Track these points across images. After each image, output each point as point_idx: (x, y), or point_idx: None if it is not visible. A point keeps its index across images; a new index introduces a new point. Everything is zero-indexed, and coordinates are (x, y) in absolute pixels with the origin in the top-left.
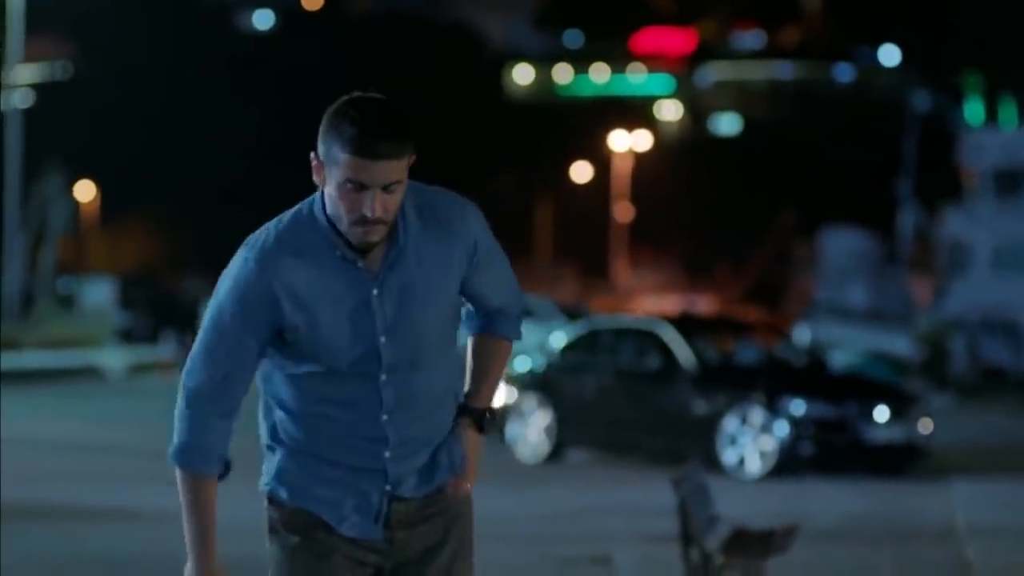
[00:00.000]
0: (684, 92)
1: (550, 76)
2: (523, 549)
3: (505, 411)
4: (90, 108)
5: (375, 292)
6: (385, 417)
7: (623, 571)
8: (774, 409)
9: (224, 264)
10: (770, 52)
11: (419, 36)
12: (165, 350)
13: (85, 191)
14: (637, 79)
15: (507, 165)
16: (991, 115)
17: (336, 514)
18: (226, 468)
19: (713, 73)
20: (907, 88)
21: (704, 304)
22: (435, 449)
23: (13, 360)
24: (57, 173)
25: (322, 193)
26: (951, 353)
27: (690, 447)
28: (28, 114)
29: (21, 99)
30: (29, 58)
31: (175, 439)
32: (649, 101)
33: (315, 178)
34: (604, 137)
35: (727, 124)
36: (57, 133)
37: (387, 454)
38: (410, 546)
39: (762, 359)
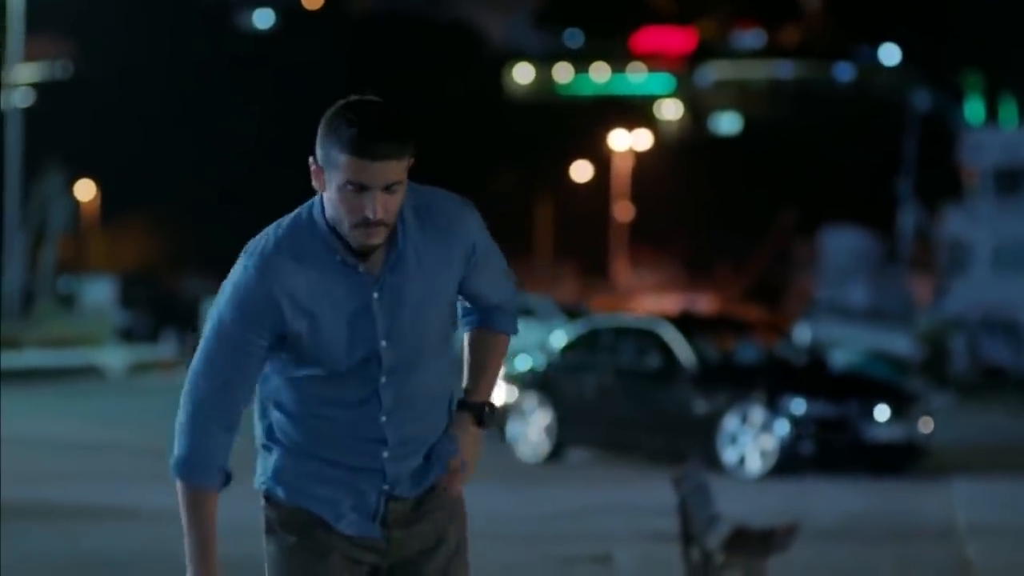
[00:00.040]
0: (684, 91)
1: (550, 75)
2: (523, 548)
3: (505, 410)
4: (90, 107)
5: (375, 296)
6: (384, 418)
7: (624, 570)
8: (774, 408)
9: (224, 263)
10: (770, 51)
11: (419, 35)
12: (165, 349)
13: (85, 190)
14: (637, 78)
15: (507, 164)
16: (991, 114)
17: (334, 512)
18: (227, 480)
19: (713, 72)
20: (907, 87)
21: (704, 303)
22: (431, 448)
23: (13, 359)
24: (57, 172)
25: (321, 198)
26: (951, 352)
27: (690, 446)
28: (28, 113)
29: (21, 98)
30: (29, 57)
31: (176, 451)
32: (649, 100)
33: (314, 183)
34: (604, 136)
35: (727, 123)
36: (57, 132)
37: (385, 454)
38: (407, 545)
39: (762, 358)
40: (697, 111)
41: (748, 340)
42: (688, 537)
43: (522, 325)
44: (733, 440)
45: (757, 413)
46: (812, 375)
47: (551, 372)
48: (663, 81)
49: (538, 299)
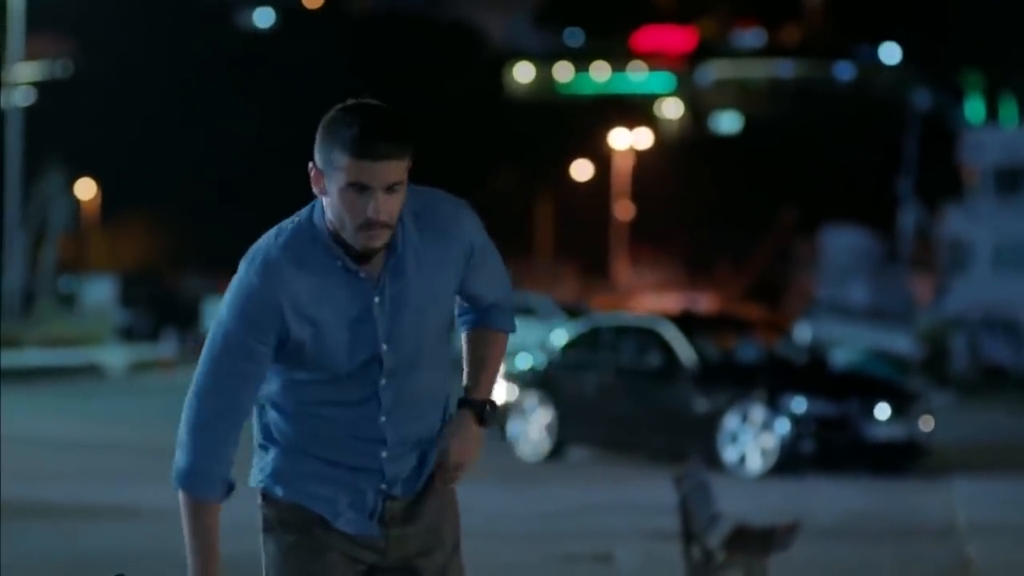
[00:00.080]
0: (685, 90)
1: (550, 74)
2: (524, 547)
3: (506, 408)
4: (91, 106)
5: (376, 300)
6: (383, 418)
7: (624, 569)
8: (775, 407)
9: (224, 262)
10: (771, 50)
11: (419, 35)
12: (166, 348)
13: (86, 189)
14: (638, 77)
15: (508, 163)
16: (992, 113)
17: (332, 510)
18: (229, 490)
19: (714, 71)
20: (908, 86)
21: (705, 302)
22: (427, 453)
23: (14, 358)
24: (58, 171)
25: (321, 203)
26: (952, 351)
27: (691, 445)
28: (29, 112)
29: (22, 97)
30: (30, 56)
31: (178, 461)
32: (650, 99)
33: (314, 188)
34: (605, 135)
35: (728, 122)
36: (58, 131)
37: (384, 454)
38: (405, 545)
39: (763, 357)
40: (697, 110)
41: (749, 339)
42: (689, 535)
43: (522, 324)
44: (734, 439)
45: (758, 412)
46: (812, 374)
47: (552, 371)
48: (663, 80)
49: (538, 298)
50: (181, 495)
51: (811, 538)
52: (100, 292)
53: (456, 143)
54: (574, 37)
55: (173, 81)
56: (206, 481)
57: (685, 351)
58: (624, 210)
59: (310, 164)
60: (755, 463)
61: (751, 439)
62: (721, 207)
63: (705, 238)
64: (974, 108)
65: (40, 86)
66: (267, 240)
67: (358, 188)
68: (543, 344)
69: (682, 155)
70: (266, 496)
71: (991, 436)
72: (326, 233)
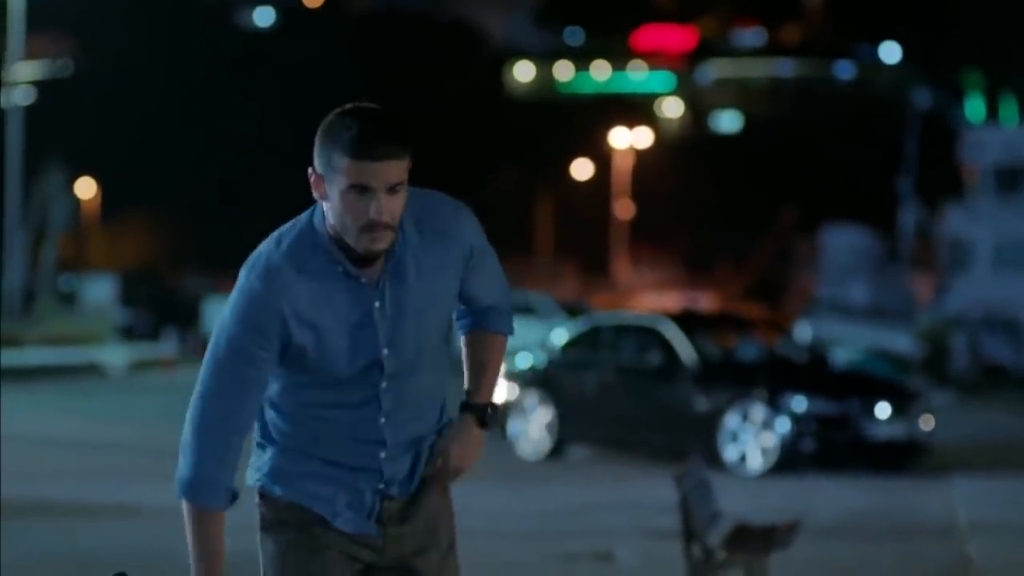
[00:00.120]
0: (685, 89)
1: (551, 73)
2: (525, 546)
3: (507, 408)
4: (91, 105)
5: (377, 305)
6: (383, 420)
7: (625, 567)
8: (775, 406)
9: (225, 261)
10: (771, 49)
11: (419, 34)
12: (166, 347)
13: (86, 188)
14: (638, 76)
15: (508, 162)
16: (992, 112)
17: (330, 509)
18: (233, 498)
19: (714, 70)
20: (908, 85)
21: (705, 301)
22: (424, 446)
23: (14, 357)
24: (58, 170)
25: (321, 208)
26: (952, 350)
27: (691, 444)
28: (29, 111)
29: (22, 96)
30: (30, 55)
31: (182, 471)
32: (650, 98)
33: (315, 193)
34: (605, 134)
35: (728, 121)
36: (58, 130)
37: (383, 454)
38: (402, 544)
39: (763, 356)
40: (698, 109)
41: (749, 338)
42: (689, 534)
43: (523, 323)
44: (734, 437)
45: (758, 411)
46: (813, 373)
47: (552, 370)
48: (664, 79)
49: (539, 297)
50: (185, 504)
51: (811, 537)
52: (100, 291)
53: (456, 142)
54: (574, 36)
55: (173, 80)
56: (210, 490)
57: (685, 350)
58: (624, 209)
59: (310, 169)
60: (755, 462)
61: (751, 438)
62: (721, 206)
63: (705, 237)
64: (974, 107)
65: (40, 85)
66: (268, 246)
67: (359, 190)
68: (543, 343)
69: (682, 154)
70: (263, 495)
71: (991, 435)
72: (327, 238)
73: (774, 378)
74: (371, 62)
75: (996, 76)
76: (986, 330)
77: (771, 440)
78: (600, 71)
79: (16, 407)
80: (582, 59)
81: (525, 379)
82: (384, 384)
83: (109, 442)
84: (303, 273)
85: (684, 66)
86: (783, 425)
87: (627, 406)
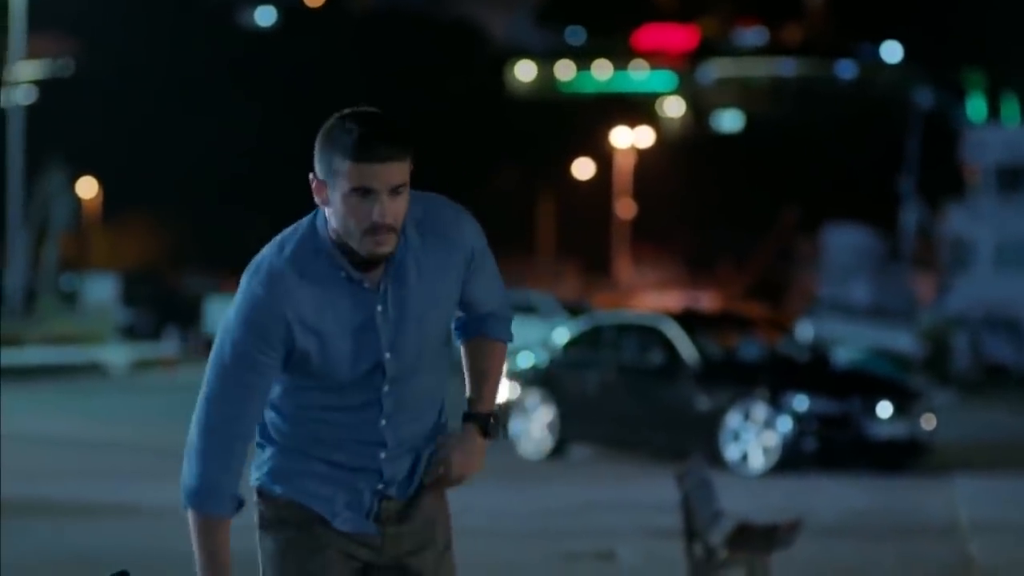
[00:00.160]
0: (686, 89)
1: (552, 73)
2: (527, 545)
3: (508, 408)
4: (92, 105)
5: (379, 309)
6: (384, 422)
7: (627, 566)
8: (777, 405)
9: (226, 261)
10: (772, 49)
11: (421, 33)
12: (167, 347)
13: (87, 188)
14: (639, 76)
15: (509, 162)
16: (993, 112)
17: (330, 509)
18: (239, 506)
19: (715, 70)
20: (909, 85)
21: (707, 301)
22: (424, 452)
23: (15, 356)
24: (59, 170)
25: (323, 214)
26: (954, 350)
27: (693, 443)
28: (31, 111)
29: (24, 96)
30: (31, 55)
31: (188, 480)
32: (651, 98)
33: (317, 199)
34: (606, 134)
35: (729, 121)
36: (59, 130)
37: (383, 455)
38: (399, 543)
39: (765, 355)
40: (699, 109)
41: (751, 337)
42: (691, 533)
43: (524, 322)
44: (736, 437)
45: (760, 410)
46: (814, 372)
47: (553, 369)
48: (665, 78)
49: (540, 296)
50: (190, 513)
51: (813, 536)
52: (102, 290)
53: (457, 141)
54: (576, 35)
55: (175, 80)
56: (217, 498)
57: (687, 349)
58: (626, 208)
59: (311, 175)
60: (757, 461)
61: (753, 437)
62: (723, 206)
63: (707, 237)
64: (976, 107)
65: (42, 85)
66: (270, 252)
67: (362, 193)
68: (545, 342)
69: (684, 154)
70: (263, 493)
71: (993, 435)
72: (329, 243)
73: (776, 377)
74: (372, 62)
75: (997, 76)
76: (987, 329)
77: (773, 439)
78: (601, 70)
79: (17, 406)
80: (583, 58)
81: (527, 378)
82: (386, 388)
83: (110, 442)
84: (306, 279)
85: (685, 65)
86: (785, 424)
87: (629, 405)
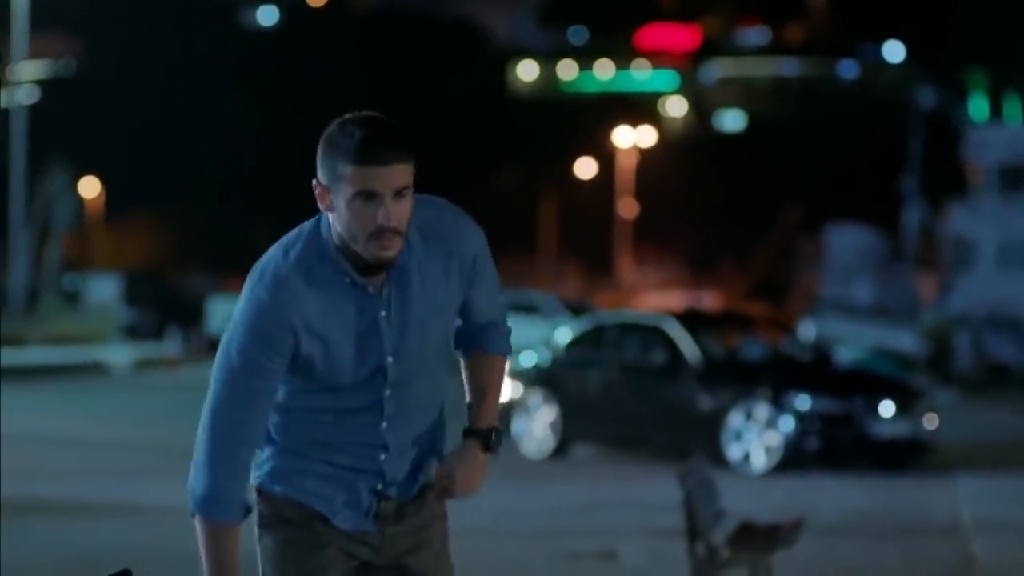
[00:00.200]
0: (689, 88)
1: (554, 72)
2: (529, 544)
3: (510, 406)
4: (95, 105)
5: (383, 314)
6: (385, 425)
7: (629, 566)
8: (779, 404)
9: (228, 261)
10: (775, 49)
11: (423, 33)
12: (170, 346)
13: (90, 187)
14: (641, 75)
15: (512, 161)
16: (996, 111)
17: (330, 508)
18: (247, 512)
19: (718, 70)
20: (912, 85)
21: (709, 300)
22: (424, 453)
23: (18, 356)
24: (62, 170)
25: (327, 219)
26: (956, 349)
27: (695, 442)
28: (33, 110)
29: (26, 95)
30: (34, 55)
31: (196, 488)
32: (654, 97)
33: (320, 205)
34: (608, 133)
35: (732, 120)
36: (62, 130)
37: (383, 457)
38: (397, 542)
39: (767, 355)
40: (701, 108)
41: (753, 337)
42: (693, 532)
43: (527, 321)
44: (738, 436)
45: (762, 409)
46: (817, 371)
47: (556, 368)
48: (667, 78)
49: (542, 296)
50: (198, 520)
51: (815, 535)
52: (104, 290)
53: (460, 141)
54: (578, 35)
55: (177, 79)
56: (225, 505)
57: (689, 349)
58: (628, 208)
59: (314, 181)
60: (759, 460)
61: (755, 436)
62: (725, 205)
63: (709, 236)
64: (978, 106)
65: (44, 84)
66: (275, 257)
67: (366, 196)
68: (547, 342)
69: (686, 153)
70: (262, 492)
71: (995, 434)
72: (333, 248)
73: (778, 377)
74: (375, 61)
75: (1000, 75)
76: (990, 329)
77: (775, 439)
78: (604, 70)
79: (20, 406)
80: (586, 58)
81: (529, 378)
82: (388, 391)
83: (112, 441)
84: (311, 284)
85: (688, 65)
86: (787, 424)
87: (631, 405)
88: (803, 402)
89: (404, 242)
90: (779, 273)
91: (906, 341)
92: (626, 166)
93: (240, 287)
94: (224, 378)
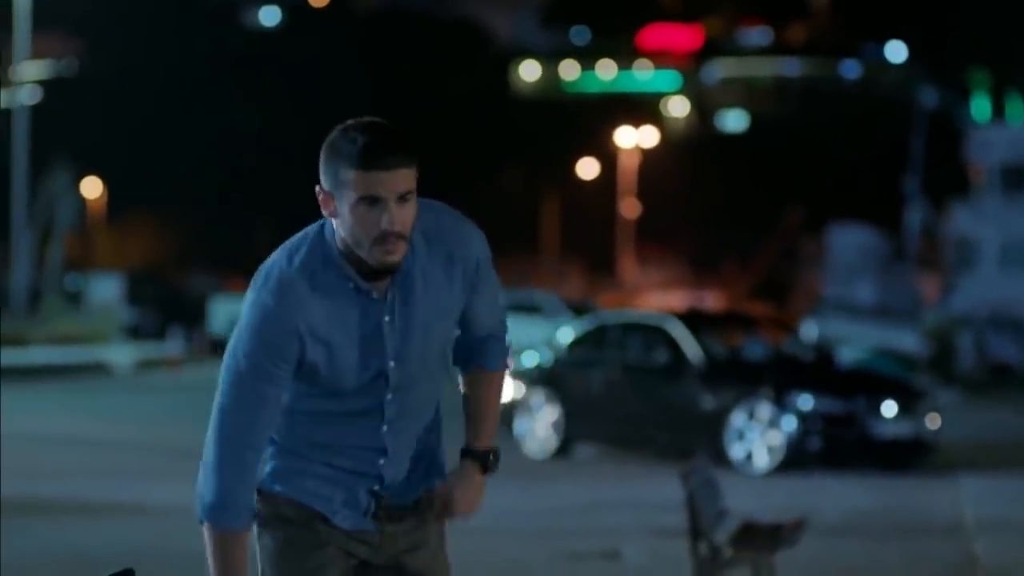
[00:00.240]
0: (691, 89)
1: (557, 73)
2: (532, 544)
3: (512, 406)
4: (97, 105)
5: (387, 319)
6: (385, 428)
7: (632, 565)
8: (782, 404)
9: (230, 261)
10: (777, 49)
11: (425, 33)
12: (172, 346)
13: (92, 188)
14: (644, 76)
15: (514, 162)
16: (998, 111)
17: (329, 507)
18: (254, 519)
19: (720, 70)
20: (914, 85)
21: (711, 301)
22: (424, 457)
23: (20, 356)
24: (64, 170)
25: (331, 225)
26: (958, 349)
27: (698, 442)
28: (35, 111)
29: (28, 96)
30: (36, 55)
31: (206, 495)
32: (656, 98)
33: (324, 212)
34: (611, 133)
35: (734, 121)
36: (64, 130)
37: (382, 461)
38: (395, 541)
39: (770, 355)
40: (704, 108)
41: (755, 337)
42: (696, 532)
43: (529, 321)
44: (740, 436)
45: (764, 409)
46: (819, 371)
47: (558, 368)
48: (670, 78)
49: (545, 296)
50: (207, 527)
51: (818, 535)
52: (106, 290)
53: (462, 141)
54: (580, 35)
55: (179, 80)
56: (233, 511)
57: (692, 348)
58: (630, 208)
59: (317, 188)
60: (762, 460)
61: (758, 436)
62: (727, 205)
63: (711, 236)
64: (980, 106)
65: (46, 84)
66: (279, 262)
67: (369, 201)
68: (549, 342)
69: (688, 153)
70: (262, 492)
71: (997, 434)
72: (337, 253)
73: (780, 377)
74: (377, 61)
75: (1002, 75)
76: (992, 329)
77: (777, 438)
78: (606, 70)
79: (22, 406)
80: (588, 58)
81: (531, 378)
82: (389, 396)
83: (114, 441)
84: (316, 290)
85: (690, 65)
86: (789, 423)
87: (633, 405)
88: (805, 402)
89: (408, 246)
90: (781, 273)
91: (908, 341)
92: (628, 166)
93: (241, 287)
94: (232, 380)
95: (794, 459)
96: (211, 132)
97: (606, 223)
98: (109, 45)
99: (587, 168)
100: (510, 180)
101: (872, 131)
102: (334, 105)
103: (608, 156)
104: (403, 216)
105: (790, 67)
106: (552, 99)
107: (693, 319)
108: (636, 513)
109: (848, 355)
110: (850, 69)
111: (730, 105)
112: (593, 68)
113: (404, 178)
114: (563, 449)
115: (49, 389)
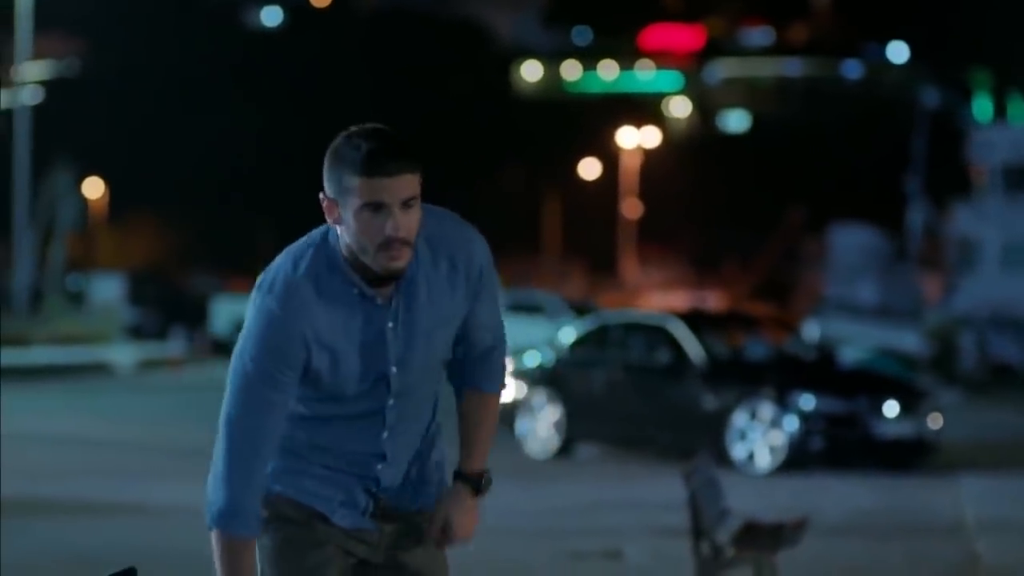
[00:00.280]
0: (693, 89)
1: (558, 73)
2: (534, 544)
3: (514, 407)
4: (99, 105)
5: (390, 325)
6: (386, 434)
7: (634, 565)
8: (784, 404)
9: (231, 261)
10: (779, 49)
11: (427, 33)
12: (174, 346)
13: (94, 188)
14: (645, 76)
15: (515, 162)
16: (1000, 111)
17: (328, 507)
18: (261, 525)
19: (722, 70)
20: (916, 85)
21: (713, 300)
22: (424, 463)
23: (22, 356)
24: (66, 170)
25: (335, 231)
26: (960, 349)
27: (700, 442)
28: (37, 111)
29: (30, 96)
30: (38, 55)
31: (215, 502)
32: (657, 98)
33: (328, 219)
34: (612, 134)
35: (736, 121)
36: (66, 130)
37: (379, 466)
38: (395, 541)
39: (772, 355)
40: (705, 108)
41: (757, 337)
42: (698, 532)
43: (530, 321)
44: (742, 436)
45: (766, 409)
46: (821, 371)
47: (560, 368)
48: (671, 78)
49: (546, 296)
50: (216, 534)
51: (819, 535)
52: (108, 290)
53: (464, 141)
54: (582, 35)
55: (181, 80)
56: (242, 518)
57: (694, 348)
58: (632, 208)
59: (321, 195)
60: (764, 460)
61: (760, 436)
62: (729, 205)
63: (713, 236)
64: (982, 106)
65: (48, 85)
66: (284, 267)
67: (373, 207)
68: (551, 342)
69: (690, 154)
70: None
71: (999, 434)
72: (342, 260)
73: (782, 376)
74: (379, 61)
75: (1004, 75)
76: (994, 329)
77: (779, 438)
78: (608, 70)
79: (24, 406)
80: (590, 58)
81: (533, 377)
82: (391, 401)
83: (116, 441)
84: (321, 296)
85: (692, 65)
86: (791, 423)
87: (635, 404)
88: (807, 402)
89: (413, 252)
90: (783, 273)
91: (910, 341)
92: (630, 166)
93: (243, 287)
94: (239, 387)
95: (796, 459)
96: (213, 132)
97: (608, 223)
98: (110, 45)
99: (589, 168)
100: (512, 180)
101: (874, 131)
102: (335, 105)
103: (610, 156)
104: (407, 222)
105: (792, 67)
106: (554, 99)
107: (695, 319)
108: (638, 513)
109: (850, 355)
110: (852, 69)
111: (732, 105)
112: (595, 68)
113: (408, 184)
114: (565, 449)
115: (51, 389)
